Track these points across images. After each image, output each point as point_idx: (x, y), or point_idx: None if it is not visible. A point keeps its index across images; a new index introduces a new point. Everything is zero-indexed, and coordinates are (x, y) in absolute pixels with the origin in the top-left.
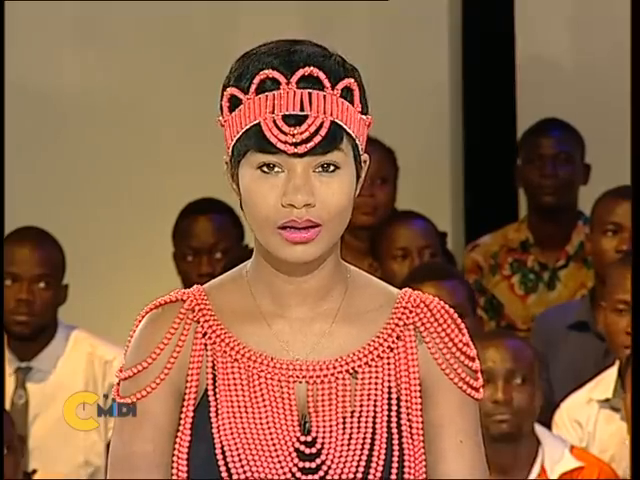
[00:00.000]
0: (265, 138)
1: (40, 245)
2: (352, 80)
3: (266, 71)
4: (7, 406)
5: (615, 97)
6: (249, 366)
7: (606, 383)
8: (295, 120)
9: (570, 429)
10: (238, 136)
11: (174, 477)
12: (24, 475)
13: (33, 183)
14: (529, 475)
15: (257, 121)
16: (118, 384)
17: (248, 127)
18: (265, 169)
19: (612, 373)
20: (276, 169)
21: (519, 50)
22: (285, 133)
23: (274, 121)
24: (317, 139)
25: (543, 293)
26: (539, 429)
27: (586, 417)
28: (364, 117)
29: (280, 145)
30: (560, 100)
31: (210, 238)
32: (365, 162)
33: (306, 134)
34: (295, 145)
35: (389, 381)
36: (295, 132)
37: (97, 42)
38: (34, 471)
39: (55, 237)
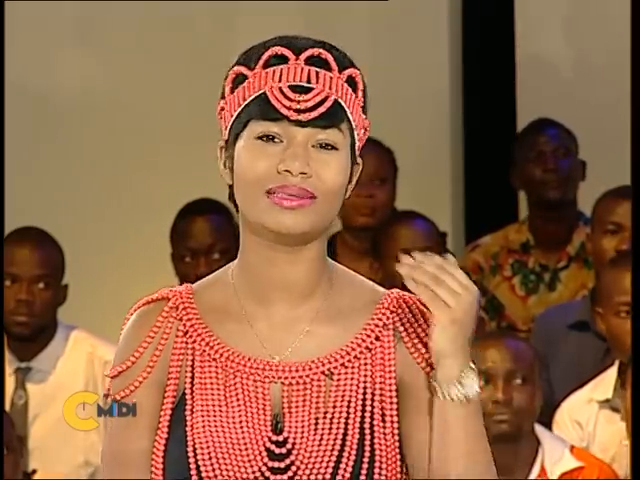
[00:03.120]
0: (269, 104)
1: (40, 245)
2: (357, 72)
3: (275, 48)
4: (7, 406)
5: (615, 97)
6: (226, 365)
7: (606, 383)
8: (301, 90)
9: (571, 429)
10: (240, 108)
11: (152, 476)
12: (24, 475)
13: (33, 183)
14: (529, 475)
15: (262, 91)
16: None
17: (252, 97)
18: (264, 139)
19: (612, 373)
20: (275, 140)
21: (519, 50)
22: (290, 99)
23: (280, 89)
24: (321, 109)
25: (544, 294)
26: (539, 429)
27: (586, 417)
28: (363, 116)
29: (284, 110)
30: (560, 100)
31: (208, 239)
32: (358, 164)
33: (311, 102)
34: (299, 112)
35: (365, 382)
36: (300, 99)
37: (97, 42)
38: (34, 471)
39: (55, 237)
